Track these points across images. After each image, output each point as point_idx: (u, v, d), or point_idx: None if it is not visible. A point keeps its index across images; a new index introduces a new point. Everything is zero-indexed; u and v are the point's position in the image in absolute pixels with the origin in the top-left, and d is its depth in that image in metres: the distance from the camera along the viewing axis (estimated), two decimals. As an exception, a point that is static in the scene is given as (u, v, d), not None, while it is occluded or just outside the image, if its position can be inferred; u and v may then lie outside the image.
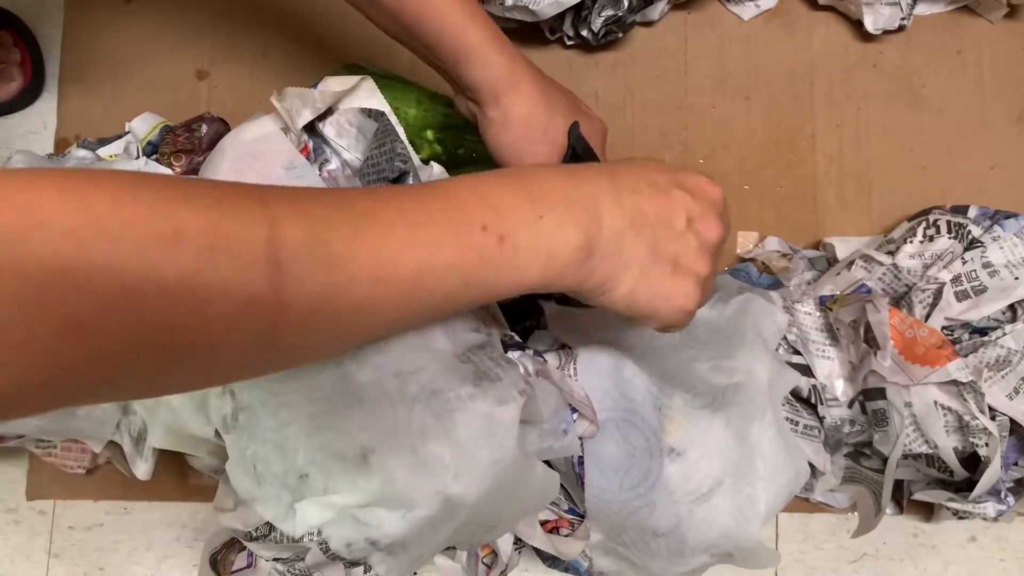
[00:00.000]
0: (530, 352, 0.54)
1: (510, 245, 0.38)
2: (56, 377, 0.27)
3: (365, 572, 0.51)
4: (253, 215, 0.31)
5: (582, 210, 0.40)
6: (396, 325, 0.38)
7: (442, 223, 0.36)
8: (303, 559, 0.50)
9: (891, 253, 0.67)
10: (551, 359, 0.56)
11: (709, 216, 0.44)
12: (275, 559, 0.54)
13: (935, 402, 0.60)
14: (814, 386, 0.64)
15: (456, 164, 0.65)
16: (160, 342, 0.28)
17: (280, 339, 0.32)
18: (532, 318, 0.62)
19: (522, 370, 0.50)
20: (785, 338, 0.64)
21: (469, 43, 0.53)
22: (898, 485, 0.69)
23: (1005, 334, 0.62)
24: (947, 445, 0.60)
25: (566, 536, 0.58)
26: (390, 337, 0.46)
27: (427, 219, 0.36)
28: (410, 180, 0.55)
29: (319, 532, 0.46)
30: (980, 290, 0.64)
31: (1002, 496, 0.63)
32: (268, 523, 0.50)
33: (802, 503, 0.71)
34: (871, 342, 0.61)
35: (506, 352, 0.51)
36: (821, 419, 0.64)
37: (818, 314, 0.65)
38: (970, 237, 0.65)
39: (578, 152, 0.56)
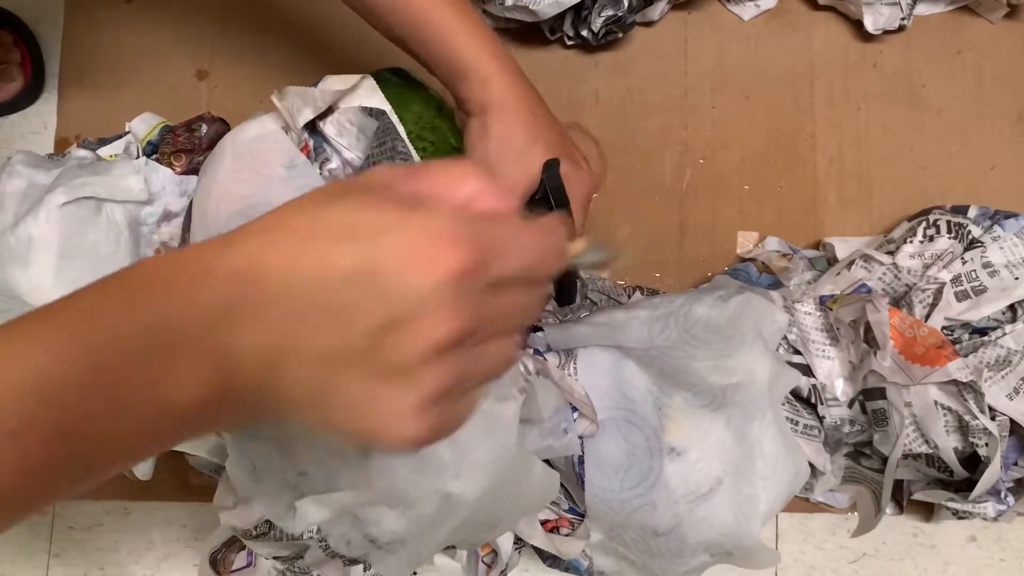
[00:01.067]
0: (530, 351, 0.54)
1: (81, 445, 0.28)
2: None
3: (365, 570, 0.51)
4: None
5: (212, 339, 0.28)
6: None
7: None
8: (303, 557, 0.50)
9: (891, 253, 0.67)
10: (551, 358, 0.56)
11: (417, 313, 0.27)
12: (275, 557, 0.54)
13: (935, 402, 0.60)
14: (814, 386, 0.64)
15: None
16: None
17: None
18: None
19: (522, 368, 0.50)
20: (785, 338, 0.64)
21: (463, 63, 0.53)
22: (898, 485, 0.69)
23: (1005, 334, 0.62)
24: (947, 445, 0.60)
25: (566, 535, 0.58)
26: None
27: None
28: (410, 179, 0.55)
29: (319, 530, 0.46)
30: (980, 290, 0.64)
31: (1002, 496, 0.63)
32: (268, 521, 0.50)
33: (802, 503, 0.71)
34: (871, 342, 0.61)
35: (506, 351, 0.50)
36: (821, 419, 0.64)
37: (818, 314, 0.65)
38: (970, 237, 0.65)
39: (549, 191, 0.54)
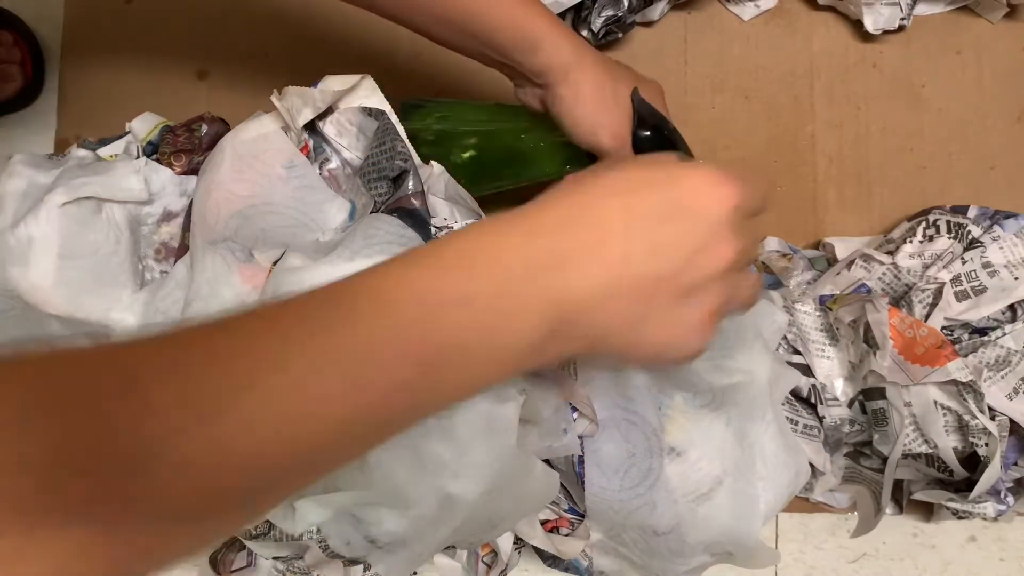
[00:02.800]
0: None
1: (440, 373, 0.31)
2: None
3: (365, 571, 0.51)
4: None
5: (545, 282, 0.33)
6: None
7: (345, 395, 0.29)
8: (303, 557, 0.50)
9: (891, 253, 0.67)
10: (551, 358, 0.56)
11: (714, 241, 0.35)
12: (275, 557, 0.54)
13: (935, 402, 0.60)
14: (814, 386, 0.64)
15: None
16: None
17: None
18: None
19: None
20: (785, 338, 0.64)
21: (534, 32, 0.55)
22: (898, 485, 0.69)
23: (1005, 334, 0.62)
24: (947, 445, 0.60)
25: (566, 535, 0.58)
26: None
27: (328, 397, 0.29)
28: (410, 179, 0.55)
29: (318, 530, 0.46)
30: (980, 290, 0.64)
31: (1002, 496, 0.63)
32: (268, 521, 0.50)
33: (802, 503, 0.71)
34: (871, 342, 0.61)
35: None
36: (821, 419, 0.64)
37: (818, 314, 0.65)
38: (970, 237, 0.65)
39: (643, 116, 0.59)
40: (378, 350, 0.30)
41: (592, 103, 0.57)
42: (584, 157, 0.61)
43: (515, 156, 0.65)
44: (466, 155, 0.65)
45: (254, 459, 0.27)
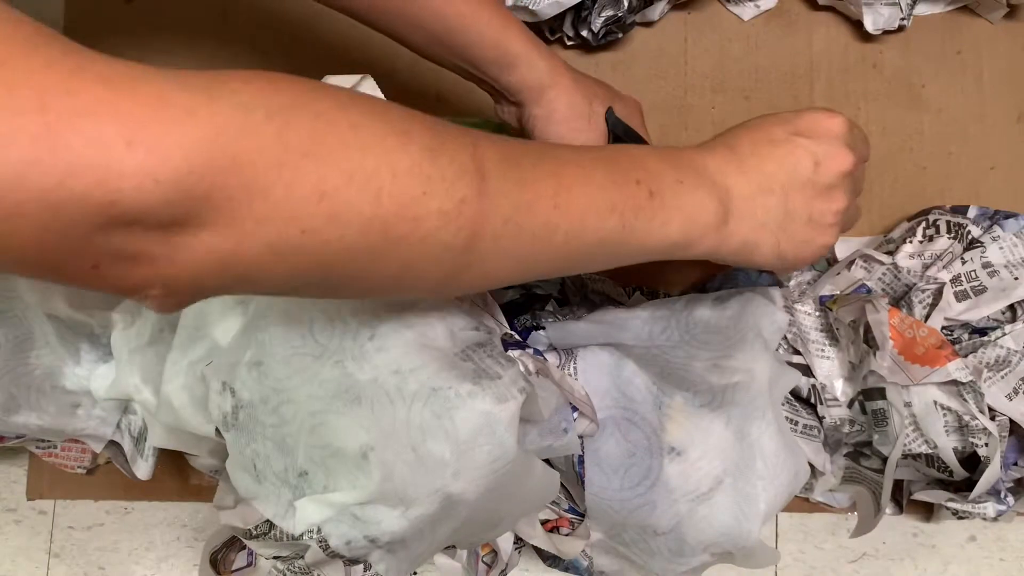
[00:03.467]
0: (530, 351, 0.54)
1: (658, 200, 0.42)
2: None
3: (365, 570, 0.51)
4: (460, 132, 0.36)
5: (711, 181, 0.44)
6: (559, 262, 0.41)
7: (605, 170, 0.41)
8: (303, 557, 0.50)
9: (890, 253, 0.67)
10: (551, 358, 0.56)
11: (834, 150, 0.46)
12: (275, 557, 0.54)
13: (935, 402, 0.60)
14: (813, 386, 0.64)
15: None
16: (387, 228, 0.32)
17: (476, 247, 0.36)
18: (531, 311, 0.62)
19: (522, 368, 0.50)
20: (785, 338, 0.64)
21: (510, 50, 0.56)
22: (898, 485, 0.69)
23: (1005, 334, 0.62)
24: (947, 445, 0.60)
25: (566, 535, 0.58)
26: (382, 333, 0.46)
27: (592, 164, 0.41)
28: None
29: (319, 530, 0.46)
30: (980, 290, 0.64)
31: (1002, 496, 0.63)
32: (268, 521, 0.50)
33: (802, 503, 0.71)
34: (871, 342, 0.61)
35: (506, 351, 0.51)
36: (821, 419, 0.64)
37: (818, 314, 0.65)
38: (970, 237, 0.65)
39: (619, 135, 0.59)
40: (614, 169, 0.41)
41: (565, 123, 0.58)
42: None
43: None
44: None
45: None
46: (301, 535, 0.47)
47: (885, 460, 0.61)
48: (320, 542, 0.46)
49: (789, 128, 0.47)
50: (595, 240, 0.40)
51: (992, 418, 0.60)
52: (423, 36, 0.56)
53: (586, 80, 0.60)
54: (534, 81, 0.57)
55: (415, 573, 0.64)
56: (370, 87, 0.58)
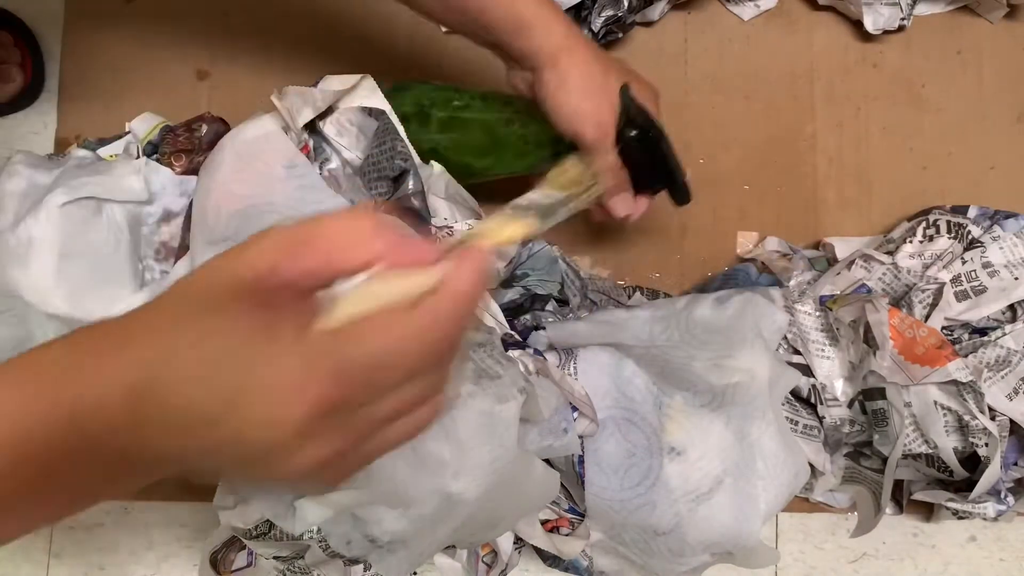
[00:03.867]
0: (530, 351, 0.54)
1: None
2: None
3: (365, 570, 0.51)
4: None
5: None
6: None
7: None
8: (303, 557, 0.50)
9: (891, 253, 0.67)
10: (551, 358, 0.56)
11: (284, 384, 0.27)
12: (275, 557, 0.54)
13: (935, 402, 0.60)
14: (814, 386, 0.64)
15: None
16: None
17: None
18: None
19: (522, 368, 0.50)
20: (785, 338, 0.64)
21: (526, 15, 0.54)
22: (898, 485, 0.69)
23: (1005, 334, 0.62)
24: (947, 445, 0.60)
25: (566, 535, 0.58)
26: None
27: None
28: (410, 178, 0.55)
29: (319, 530, 0.46)
30: (980, 290, 0.64)
31: (1002, 496, 0.63)
32: (268, 521, 0.50)
33: (802, 503, 0.71)
34: (871, 342, 0.61)
35: (506, 350, 0.51)
36: (821, 419, 0.64)
37: (818, 314, 0.65)
38: (970, 237, 0.65)
39: (631, 113, 0.57)
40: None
41: (577, 90, 0.56)
42: (565, 151, 0.59)
43: (491, 145, 0.63)
44: (440, 137, 0.62)
45: None
46: (301, 535, 0.47)
47: (885, 460, 0.61)
48: (320, 542, 0.46)
49: (224, 394, 0.27)
50: None
51: (992, 418, 0.60)
52: (439, 2, 0.55)
53: (604, 53, 0.59)
54: (549, 46, 0.55)
55: (415, 573, 0.64)
56: (369, 87, 0.58)
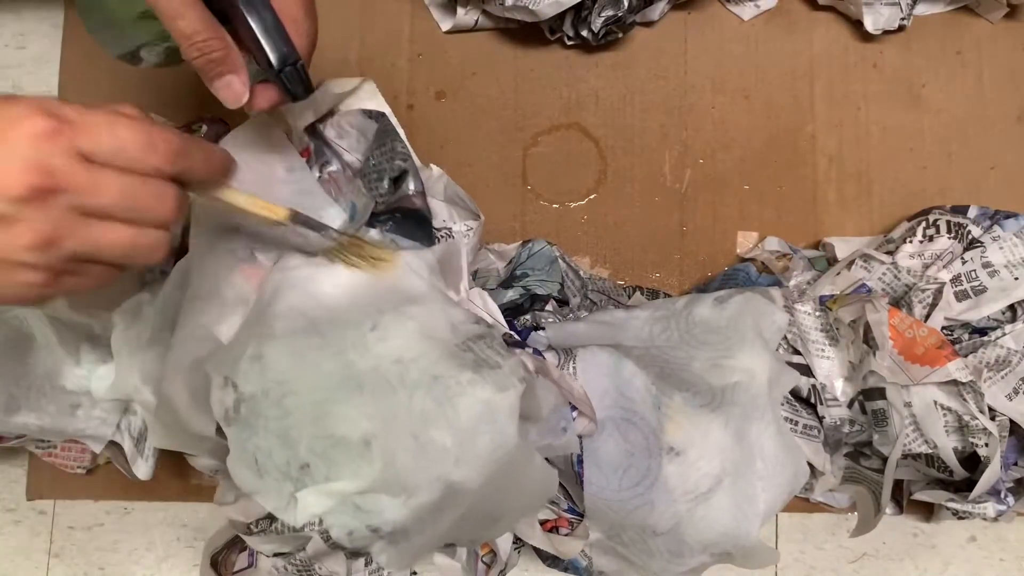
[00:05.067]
0: (530, 350, 0.54)
1: None
2: None
3: (366, 564, 0.51)
4: None
5: None
6: None
7: None
8: (304, 550, 0.50)
9: (891, 253, 0.67)
10: (550, 357, 0.56)
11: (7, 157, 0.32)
12: (276, 554, 0.54)
13: (935, 402, 0.60)
14: (813, 386, 0.64)
15: None
16: None
17: None
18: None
19: (520, 360, 0.50)
20: (785, 338, 0.64)
21: None
22: (898, 485, 0.69)
23: (1005, 334, 0.62)
24: (947, 445, 0.60)
25: (565, 535, 0.58)
26: (383, 322, 0.47)
27: None
28: (410, 179, 0.55)
29: (320, 521, 0.46)
30: (980, 290, 0.64)
31: (1002, 496, 0.63)
32: (269, 516, 0.51)
33: (802, 503, 0.71)
34: (870, 342, 0.61)
35: (506, 350, 0.51)
36: (820, 419, 0.64)
37: (818, 314, 0.65)
38: (970, 237, 0.65)
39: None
40: None
41: None
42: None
43: None
44: None
45: None
46: (303, 527, 0.47)
47: (885, 460, 0.61)
48: (322, 533, 0.46)
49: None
50: None
51: (992, 418, 0.60)
52: None
53: None
54: None
55: (414, 572, 0.64)
56: (370, 90, 0.58)
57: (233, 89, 0.46)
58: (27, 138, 0.32)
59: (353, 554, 0.49)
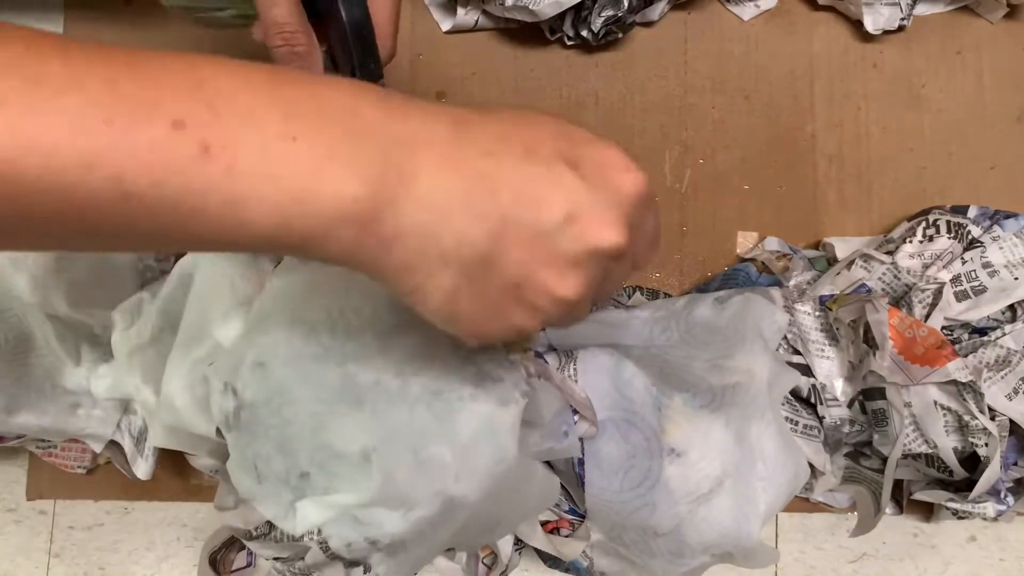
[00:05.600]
0: (531, 353, 0.54)
1: (221, 162, 0.26)
2: None
3: (365, 572, 0.51)
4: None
5: (381, 151, 0.28)
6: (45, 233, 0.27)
7: (111, 99, 0.25)
8: (303, 559, 0.50)
9: (891, 253, 0.67)
10: (551, 359, 0.56)
11: (604, 214, 0.30)
12: (275, 559, 0.54)
13: (935, 402, 0.60)
14: (813, 386, 0.64)
15: None
16: None
17: None
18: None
19: (522, 372, 0.50)
20: (785, 338, 0.64)
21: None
22: (898, 485, 0.69)
23: (1005, 334, 0.62)
24: (947, 445, 0.60)
25: (566, 536, 0.58)
26: (384, 335, 0.46)
27: (100, 88, 0.25)
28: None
29: (319, 531, 0.46)
30: (980, 290, 0.64)
31: (1002, 496, 0.63)
32: (268, 522, 0.51)
33: (802, 503, 0.71)
34: (871, 342, 0.61)
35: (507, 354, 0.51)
36: (821, 419, 0.64)
37: (818, 314, 0.65)
38: (970, 237, 0.65)
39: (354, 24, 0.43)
40: (139, 97, 0.26)
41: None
42: None
43: None
44: None
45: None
46: (302, 536, 0.47)
47: (885, 460, 0.61)
48: (321, 543, 0.46)
49: (564, 149, 0.31)
50: (85, 215, 0.26)
51: (992, 418, 0.60)
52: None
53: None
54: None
55: (414, 574, 0.64)
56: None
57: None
58: (628, 197, 0.32)
59: (351, 564, 0.49)
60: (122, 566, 0.74)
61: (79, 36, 0.79)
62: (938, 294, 0.63)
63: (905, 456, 0.62)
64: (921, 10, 0.76)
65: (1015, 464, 0.64)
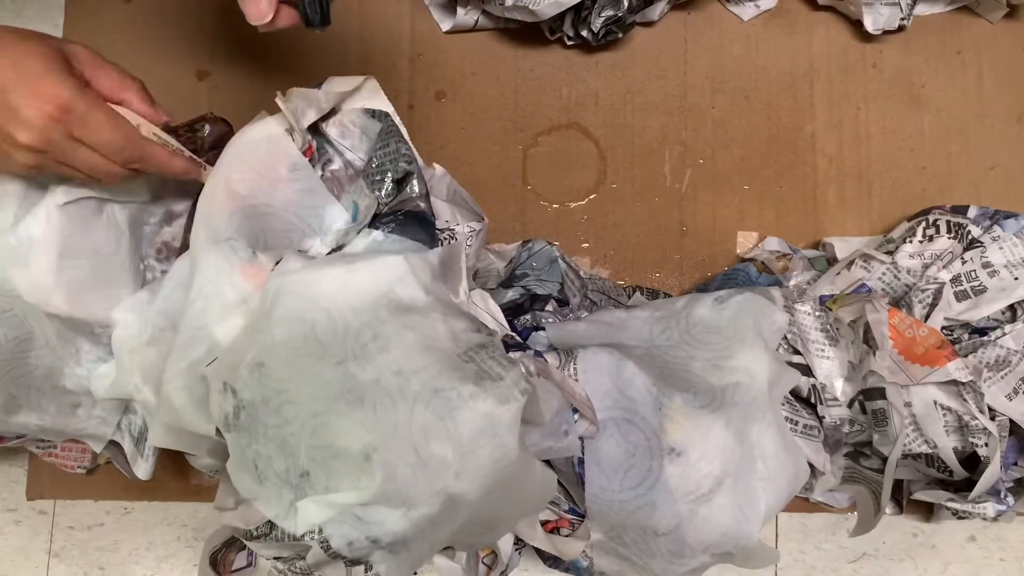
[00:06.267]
0: (531, 352, 0.54)
1: None
2: None
3: (366, 571, 0.51)
4: None
5: None
6: None
7: None
8: (304, 558, 0.50)
9: (890, 253, 0.67)
10: (551, 358, 0.56)
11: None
12: (276, 558, 0.54)
13: (935, 402, 0.60)
14: (814, 386, 0.64)
15: None
16: None
17: None
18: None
19: (523, 370, 0.50)
20: (785, 338, 0.64)
21: None
22: (898, 485, 0.69)
23: (1005, 334, 0.62)
24: (947, 445, 0.60)
25: (567, 536, 0.58)
26: (384, 334, 0.46)
27: None
28: (414, 181, 0.55)
29: (320, 530, 0.46)
30: (980, 290, 0.64)
31: (1001, 496, 0.63)
32: (269, 521, 0.50)
33: (802, 503, 0.71)
34: (870, 342, 0.61)
35: (507, 352, 0.51)
36: (821, 419, 0.64)
37: (818, 314, 0.65)
38: (970, 237, 0.65)
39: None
40: None
41: None
42: None
43: None
44: None
45: None
46: (303, 536, 0.47)
47: (885, 460, 0.61)
48: (322, 543, 0.46)
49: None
50: None
51: (992, 418, 0.60)
52: None
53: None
54: None
55: (415, 574, 0.64)
56: (372, 88, 0.58)
57: (259, 6, 0.48)
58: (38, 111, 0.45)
59: (353, 563, 0.49)
60: (122, 566, 0.74)
61: (79, 36, 0.79)
62: (938, 294, 0.63)
63: (905, 456, 0.62)
64: (921, 10, 0.76)
65: (1015, 464, 0.64)
